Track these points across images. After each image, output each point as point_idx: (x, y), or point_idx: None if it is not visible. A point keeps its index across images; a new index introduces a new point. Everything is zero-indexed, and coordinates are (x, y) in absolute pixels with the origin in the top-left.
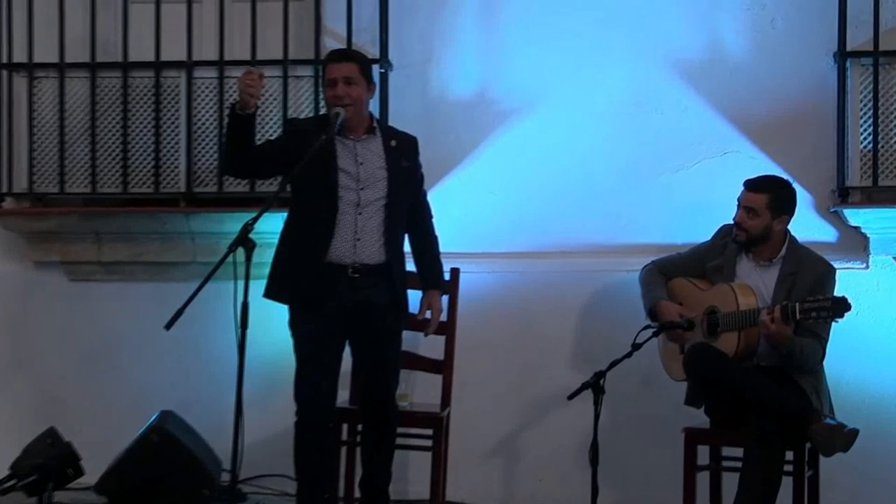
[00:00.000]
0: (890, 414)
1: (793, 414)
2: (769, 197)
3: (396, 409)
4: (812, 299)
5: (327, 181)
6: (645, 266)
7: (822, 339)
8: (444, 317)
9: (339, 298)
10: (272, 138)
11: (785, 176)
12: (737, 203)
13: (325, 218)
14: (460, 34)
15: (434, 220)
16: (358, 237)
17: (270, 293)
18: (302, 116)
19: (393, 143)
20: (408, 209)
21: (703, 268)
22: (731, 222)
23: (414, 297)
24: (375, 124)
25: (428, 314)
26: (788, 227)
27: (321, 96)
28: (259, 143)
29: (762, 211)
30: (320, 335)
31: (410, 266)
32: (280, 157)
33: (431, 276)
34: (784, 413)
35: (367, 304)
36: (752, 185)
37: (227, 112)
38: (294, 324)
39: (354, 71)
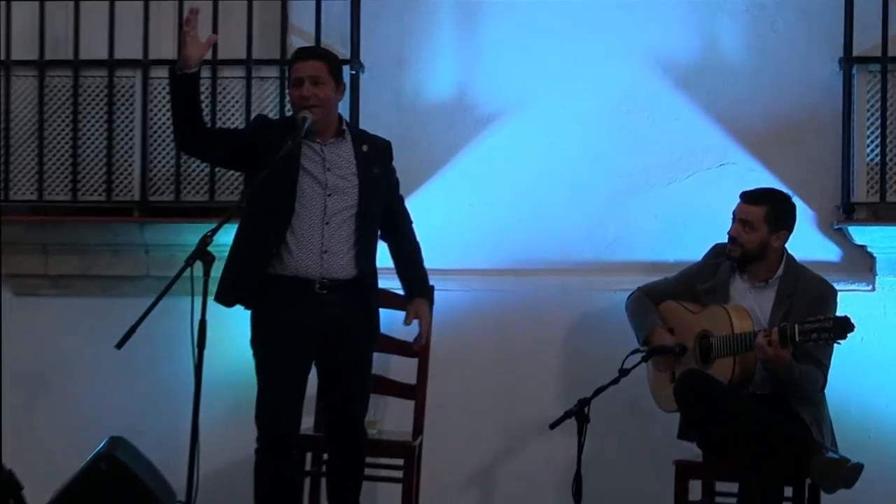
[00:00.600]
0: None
1: (792, 447)
2: (767, 209)
3: (365, 436)
4: (812, 320)
5: (291, 186)
6: (631, 293)
7: (824, 366)
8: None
9: (305, 316)
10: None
11: (785, 190)
12: (732, 216)
13: (282, 226)
14: (436, 33)
15: (414, 226)
16: (325, 249)
17: (219, 297)
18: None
19: (364, 147)
20: (383, 217)
21: (695, 290)
22: (725, 242)
23: (385, 315)
24: (345, 127)
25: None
26: (786, 244)
27: (287, 98)
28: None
29: (759, 224)
30: (283, 356)
31: (383, 283)
32: (237, 147)
33: (416, 285)
34: (782, 446)
35: (336, 324)
36: (749, 197)
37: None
38: (255, 343)
39: (322, 70)
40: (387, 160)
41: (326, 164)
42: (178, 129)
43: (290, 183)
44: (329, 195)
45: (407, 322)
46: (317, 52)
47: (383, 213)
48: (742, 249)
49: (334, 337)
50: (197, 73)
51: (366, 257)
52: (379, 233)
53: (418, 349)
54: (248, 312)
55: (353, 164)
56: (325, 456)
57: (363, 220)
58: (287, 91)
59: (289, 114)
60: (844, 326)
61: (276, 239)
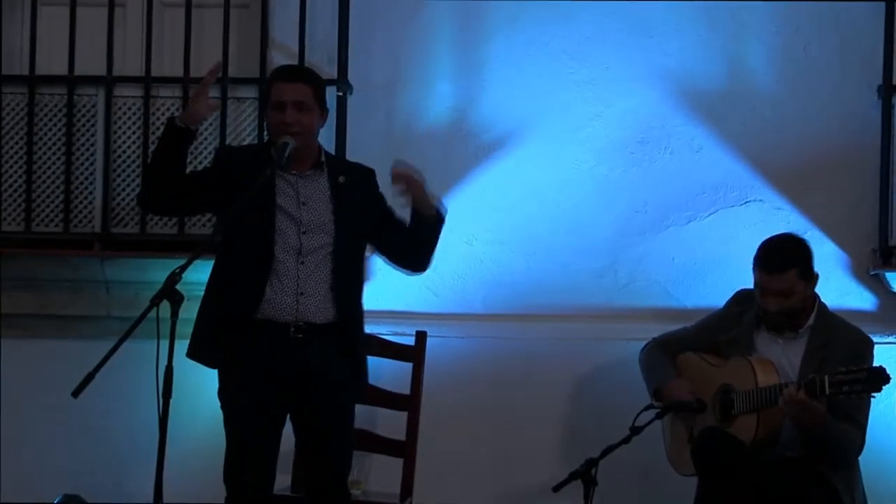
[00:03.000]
0: None
1: None
2: (798, 270)
3: (349, 499)
4: (844, 371)
5: (264, 222)
6: (645, 345)
7: (861, 425)
8: (407, 389)
9: (278, 364)
10: (199, 169)
11: (816, 232)
12: (757, 288)
13: (258, 266)
14: (432, 51)
15: None
16: (301, 290)
17: (193, 352)
18: (244, 143)
19: (341, 178)
20: (384, 227)
21: (716, 342)
22: (749, 287)
23: (372, 363)
24: (323, 158)
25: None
26: (819, 291)
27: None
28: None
29: (797, 287)
30: (254, 408)
31: (371, 327)
32: (207, 192)
33: None
34: None
35: (312, 372)
36: (774, 266)
37: (162, 123)
38: (223, 393)
39: (308, 95)
40: (369, 189)
41: (301, 199)
42: (153, 185)
43: (269, 221)
44: (304, 233)
45: (394, 181)
46: (302, 73)
47: (383, 224)
48: (787, 317)
49: (312, 386)
50: (194, 132)
51: (346, 299)
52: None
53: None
54: None
55: (328, 198)
56: None
57: (340, 258)
58: (265, 113)
59: (266, 136)
60: (880, 378)
61: (259, 286)
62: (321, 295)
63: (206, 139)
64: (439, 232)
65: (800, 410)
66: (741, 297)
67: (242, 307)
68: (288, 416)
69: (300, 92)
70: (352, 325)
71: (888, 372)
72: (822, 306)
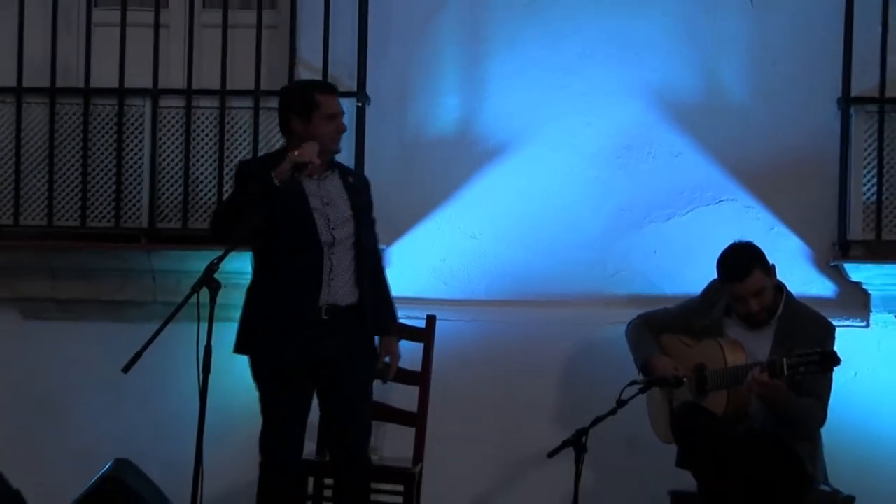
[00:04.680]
0: (888, 479)
1: (785, 481)
2: (759, 269)
3: (369, 463)
4: (799, 353)
5: (305, 224)
6: (631, 321)
7: (823, 400)
8: (418, 367)
9: (309, 345)
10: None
11: (783, 227)
12: (734, 300)
13: (311, 262)
14: (441, 68)
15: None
16: (332, 277)
17: (244, 348)
18: (274, 149)
19: (350, 179)
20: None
21: (690, 325)
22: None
23: None
24: (334, 161)
25: (387, 360)
26: (784, 282)
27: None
28: None
29: (765, 283)
30: (287, 385)
31: None
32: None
33: (385, 322)
34: (775, 480)
35: (338, 351)
36: (740, 273)
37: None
38: (258, 373)
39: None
40: (368, 193)
41: (324, 199)
42: (240, 227)
43: (309, 222)
44: (333, 228)
45: (378, 361)
46: (337, 88)
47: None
48: (768, 312)
49: (335, 365)
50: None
51: (364, 283)
52: None
53: (384, 383)
54: None
55: (345, 196)
56: (326, 481)
57: (360, 248)
58: (311, 118)
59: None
60: (831, 360)
61: (319, 280)
62: (346, 280)
63: (239, 144)
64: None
65: (764, 389)
66: (713, 288)
67: (309, 297)
68: (314, 390)
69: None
70: (369, 306)
71: (838, 355)
72: (789, 296)
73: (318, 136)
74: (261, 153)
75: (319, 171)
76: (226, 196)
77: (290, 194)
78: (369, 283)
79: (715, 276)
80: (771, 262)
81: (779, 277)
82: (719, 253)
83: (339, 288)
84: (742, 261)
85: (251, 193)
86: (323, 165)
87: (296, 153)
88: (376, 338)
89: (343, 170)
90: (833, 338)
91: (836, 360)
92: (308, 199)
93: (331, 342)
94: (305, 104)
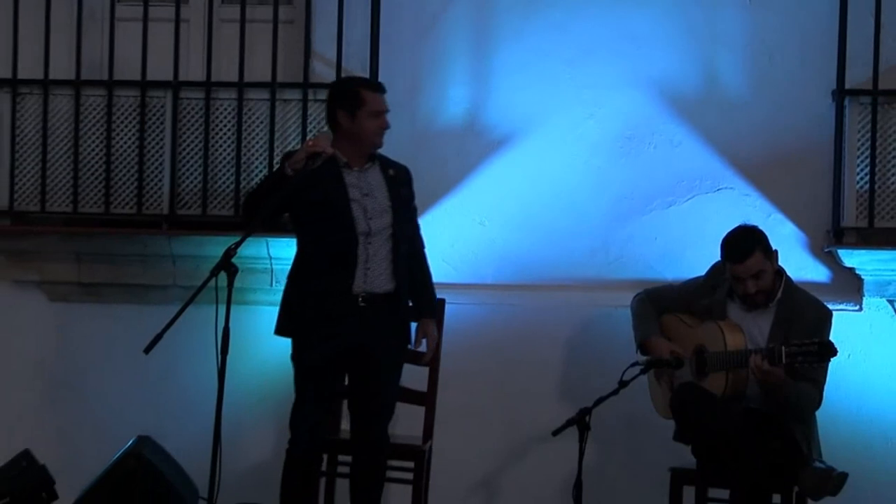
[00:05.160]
0: (880, 457)
1: (780, 459)
2: (760, 251)
3: (388, 443)
4: (798, 343)
5: (342, 214)
6: (636, 295)
7: (819, 385)
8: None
9: (347, 330)
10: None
11: (779, 215)
12: (734, 280)
13: (346, 251)
14: (450, 61)
15: (426, 249)
16: (368, 266)
17: (289, 331)
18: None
19: (391, 171)
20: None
21: (693, 305)
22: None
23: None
24: (375, 154)
25: (423, 345)
26: (784, 267)
27: (310, 120)
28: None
29: (765, 266)
30: (323, 367)
31: None
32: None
33: (424, 305)
34: (771, 458)
35: (372, 337)
36: (741, 255)
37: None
38: (297, 355)
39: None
40: (409, 184)
41: (364, 190)
42: (257, 206)
43: (346, 212)
44: (370, 218)
45: (416, 344)
46: (384, 86)
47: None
48: (766, 294)
49: (370, 349)
50: (296, 177)
51: (401, 272)
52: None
53: (425, 364)
54: (270, 319)
55: (384, 188)
56: (340, 458)
57: (398, 238)
58: (355, 114)
59: (311, 133)
60: (828, 351)
61: (353, 268)
62: (383, 269)
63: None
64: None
65: (764, 376)
66: (716, 270)
67: (342, 285)
68: (346, 372)
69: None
70: (404, 295)
71: (835, 347)
72: (788, 281)
73: (362, 131)
74: (276, 144)
75: (360, 164)
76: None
77: (329, 188)
78: (407, 272)
79: (715, 260)
80: (776, 248)
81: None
82: (718, 239)
83: (376, 277)
84: (744, 243)
85: (268, 182)
86: (363, 158)
87: (309, 143)
88: (413, 324)
89: (384, 162)
90: (830, 323)
91: (833, 352)
92: (347, 189)
93: (365, 328)
94: (352, 100)
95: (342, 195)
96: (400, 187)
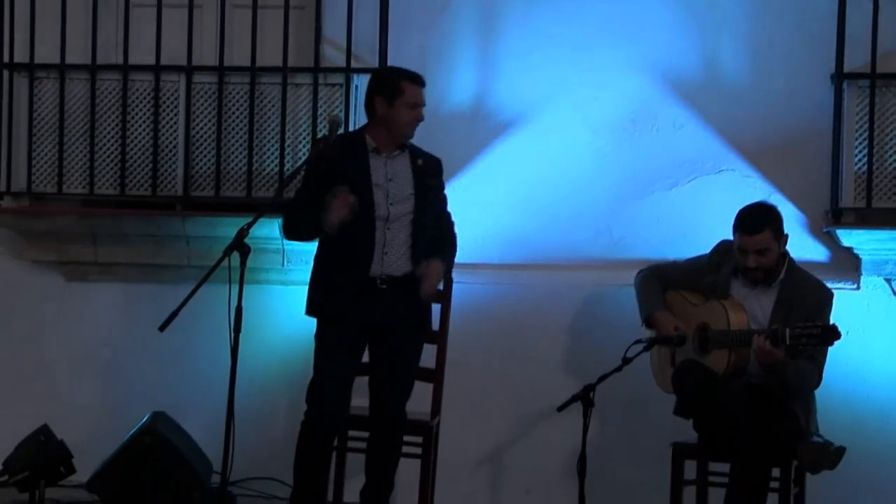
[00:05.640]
0: (876, 433)
1: (779, 434)
2: (772, 230)
3: (404, 420)
4: (802, 326)
5: (364, 197)
6: (640, 271)
7: (819, 364)
8: (436, 326)
9: (367, 310)
10: (310, 192)
11: (779, 196)
12: (738, 250)
13: (366, 233)
14: (455, 47)
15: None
16: (385, 250)
17: (315, 311)
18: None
19: (419, 161)
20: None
21: (698, 282)
22: (729, 239)
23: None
24: (406, 143)
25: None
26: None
27: (321, 104)
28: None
29: (772, 245)
30: (342, 345)
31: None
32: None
33: (437, 250)
34: (770, 433)
35: (391, 318)
36: (752, 228)
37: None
38: (319, 332)
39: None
40: (438, 174)
41: (388, 175)
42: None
43: (368, 195)
44: (391, 203)
45: (419, 270)
46: (424, 80)
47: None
48: (764, 272)
49: (388, 330)
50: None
51: (419, 257)
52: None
53: (426, 294)
54: (282, 298)
55: (410, 175)
56: (350, 433)
57: (418, 224)
58: (393, 103)
59: (321, 117)
60: (832, 335)
61: (371, 250)
62: (401, 253)
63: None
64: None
65: (766, 357)
66: (722, 249)
67: (361, 267)
68: (365, 350)
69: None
70: (418, 278)
71: (839, 331)
72: (792, 262)
73: (397, 120)
74: (287, 126)
75: (389, 150)
76: (290, 180)
77: (355, 171)
78: (427, 256)
79: (716, 240)
80: (786, 232)
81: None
82: (720, 219)
83: (393, 261)
84: (758, 217)
85: (307, 222)
86: (393, 146)
87: (334, 212)
88: (435, 306)
89: (414, 152)
90: (831, 304)
91: (836, 335)
92: (371, 173)
93: (385, 309)
94: (392, 88)
95: (366, 178)
96: (426, 177)
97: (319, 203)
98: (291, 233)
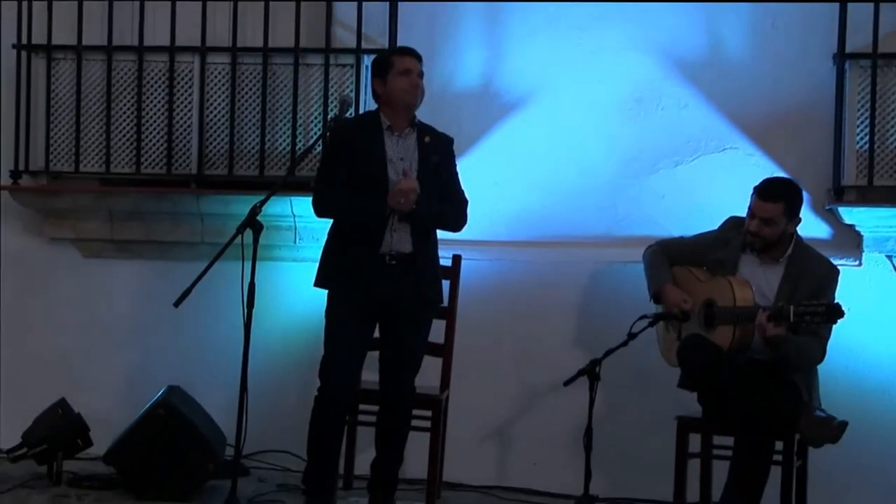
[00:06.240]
0: (878, 407)
1: (782, 412)
2: (785, 205)
3: (413, 395)
4: (806, 303)
5: (379, 173)
6: (649, 246)
7: (823, 339)
8: (445, 302)
9: (376, 286)
10: (335, 167)
11: (782, 174)
12: (748, 212)
13: (377, 212)
14: (464, 28)
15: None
16: (394, 227)
17: (325, 285)
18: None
19: (427, 139)
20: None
21: (706, 258)
22: (740, 216)
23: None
24: (416, 121)
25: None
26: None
27: (332, 84)
28: (337, 179)
29: (779, 219)
30: (353, 319)
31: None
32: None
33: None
34: (773, 408)
35: (398, 294)
36: (767, 195)
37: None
38: (330, 308)
39: (422, 69)
40: (446, 152)
41: (400, 153)
42: (337, 219)
43: (382, 172)
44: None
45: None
46: (416, 51)
47: (442, 196)
48: (764, 242)
49: (396, 306)
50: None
51: (421, 235)
52: None
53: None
54: (294, 275)
55: (416, 153)
56: (360, 407)
57: (419, 201)
58: (384, 82)
59: (332, 97)
60: (836, 313)
61: (382, 227)
62: (406, 230)
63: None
64: (430, 220)
65: (768, 334)
66: (732, 224)
67: (372, 243)
68: (376, 326)
69: (417, 65)
70: (424, 257)
71: (843, 309)
72: (799, 240)
73: (393, 91)
74: (299, 106)
75: (401, 128)
76: (312, 163)
77: (371, 149)
78: (428, 235)
79: (720, 217)
80: (800, 216)
81: None
82: (723, 196)
83: (400, 238)
84: (778, 189)
85: (362, 209)
86: (404, 122)
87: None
88: (444, 282)
89: (422, 129)
90: (836, 281)
91: (840, 314)
92: (385, 150)
93: (395, 285)
94: (383, 66)
95: (380, 156)
96: (432, 154)
97: (344, 181)
98: (328, 214)
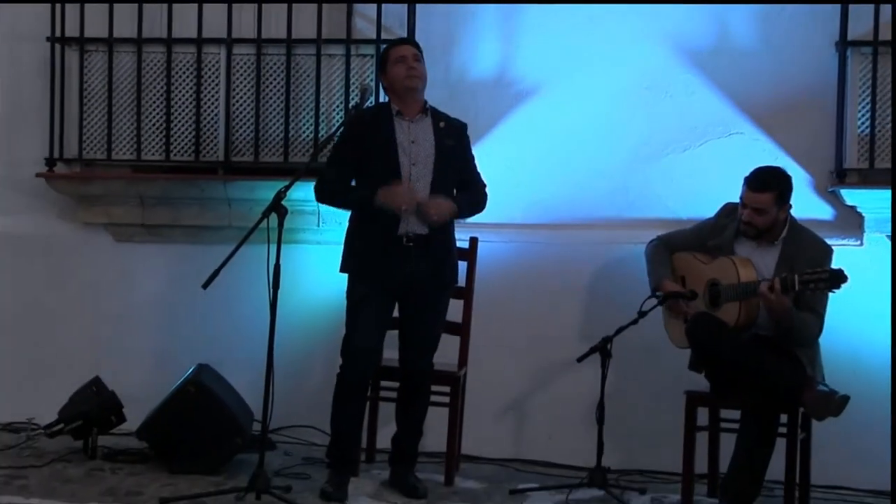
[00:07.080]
0: (879, 382)
1: (787, 382)
2: (775, 195)
3: (432, 371)
4: (810, 271)
5: (390, 158)
6: (650, 241)
7: (820, 315)
8: (463, 282)
9: (395, 267)
10: (344, 151)
11: (786, 157)
12: (740, 202)
13: None
14: (481, 18)
15: (487, 190)
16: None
17: (347, 268)
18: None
19: (441, 124)
20: (457, 185)
21: (704, 245)
22: (735, 202)
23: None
24: (428, 107)
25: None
26: (791, 205)
27: (353, 73)
28: (344, 162)
29: (770, 208)
30: (373, 299)
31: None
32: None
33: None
34: (778, 381)
35: (416, 274)
36: (756, 186)
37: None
38: (350, 288)
39: (417, 53)
40: (460, 137)
41: (411, 138)
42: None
43: (393, 157)
44: (413, 164)
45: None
46: (410, 40)
47: (459, 182)
48: (757, 230)
49: (413, 286)
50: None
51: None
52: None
53: (429, 216)
54: (317, 257)
55: (431, 137)
56: (382, 383)
57: (437, 185)
58: (385, 75)
59: (353, 86)
60: (839, 278)
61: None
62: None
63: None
64: (467, 214)
65: (771, 301)
66: (727, 210)
67: (390, 225)
68: (395, 305)
69: (411, 50)
70: (438, 238)
71: (846, 273)
72: (793, 221)
73: (393, 80)
74: (322, 95)
75: (412, 114)
76: (323, 152)
77: (381, 134)
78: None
79: (726, 200)
80: (791, 202)
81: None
82: (730, 180)
83: (416, 218)
84: (767, 179)
85: (348, 196)
86: (413, 108)
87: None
88: (461, 263)
89: (437, 115)
90: (831, 258)
91: (844, 279)
92: (396, 135)
93: (412, 266)
94: (383, 60)
95: (391, 141)
96: (447, 139)
97: (350, 167)
98: (324, 199)
